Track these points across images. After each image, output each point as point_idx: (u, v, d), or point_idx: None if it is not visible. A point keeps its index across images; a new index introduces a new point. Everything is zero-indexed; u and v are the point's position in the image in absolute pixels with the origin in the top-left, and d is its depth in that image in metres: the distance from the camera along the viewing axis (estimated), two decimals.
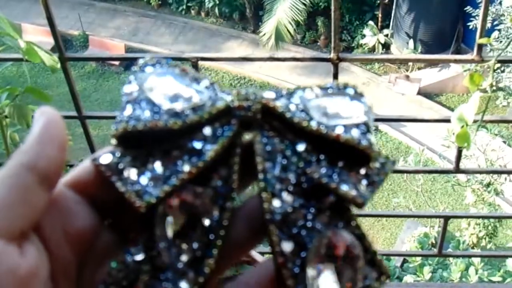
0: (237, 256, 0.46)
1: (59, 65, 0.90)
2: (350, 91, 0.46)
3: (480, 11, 1.07)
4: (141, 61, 0.47)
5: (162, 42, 12.21)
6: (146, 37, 12.50)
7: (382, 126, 9.73)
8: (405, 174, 7.28)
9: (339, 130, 0.43)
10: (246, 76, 11.17)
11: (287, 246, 0.41)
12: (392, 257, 4.96)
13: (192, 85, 0.44)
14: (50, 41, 1.15)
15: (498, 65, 1.16)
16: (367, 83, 10.74)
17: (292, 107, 0.44)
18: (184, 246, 0.41)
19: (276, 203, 0.42)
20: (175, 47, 11.95)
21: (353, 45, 11.52)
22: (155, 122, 0.41)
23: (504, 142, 6.27)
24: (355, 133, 0.43)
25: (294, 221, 0.42)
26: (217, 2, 12.31)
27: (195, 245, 0.42)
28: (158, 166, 0.42)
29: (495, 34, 1.13)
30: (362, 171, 0.44)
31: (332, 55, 1.10)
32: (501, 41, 6.77)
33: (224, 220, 0.42)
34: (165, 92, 0.43)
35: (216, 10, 12.52)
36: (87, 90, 11.30)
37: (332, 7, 1.03)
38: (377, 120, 1.29)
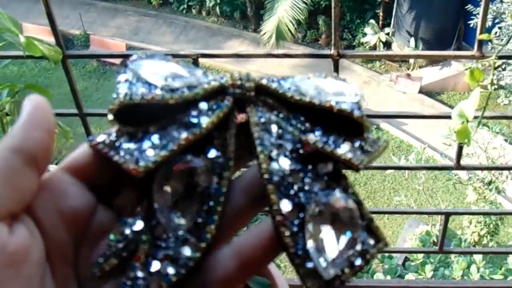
0: (237, 224, 0.47)
1: (61, 56, 0.90)
2: (340, 79, 0.48)
3: (481, 7, 1.07)
4: (134, 56, 0.47)
5: (163, 41, 12.21)
6: (147, 36, 12.50)
7: (383, 125, 9.74)
8: (407, 173, 7.28)
9: (332, 102, 0.44)
10: None
11: (285, 205, 0.42)
12: (394, 255, 4.95)
13: (186, 70, 0.45)
14: (51, 40, 1.15)
15: (499, 63, 1.16)
16: (369, 82, 10.74)
17: (285, 87, 0.45)
18: (184, 213, 0.42)
19: (274, 165, 0.42)
20: (176, 46, 11.95)
21: (354, 43, 11.52)
22: (151, 95, 0.42)
23: (506, 140, 6.26)
24: (347, 105, 0.44)
25: (292, 183, 0.43)
26: (218, 1, 12.31)
27: (195, 212, 0.42)
28: (155, 139, 0.42)
29: (495, 30, 1.12)
30: (356, 143, 0.44)
31: (333, 51, 1.10)
32: (502, 39, 6.77)
33: (223, 187, 0.43)
34: (160, 73, 0.43)
35: (217, 9, 12.53)
36: (89, 90, 11.31)
37: (332, 3, 1.03)
38: (377, 116, 1.29)
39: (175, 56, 1.30)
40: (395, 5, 11.15)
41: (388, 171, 7.88)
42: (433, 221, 6.07)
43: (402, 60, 11.06)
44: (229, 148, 0.44)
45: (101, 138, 0.43)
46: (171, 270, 0.41)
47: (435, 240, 5.38)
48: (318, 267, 0.40)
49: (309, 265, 0.40)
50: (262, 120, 0.44)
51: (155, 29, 12.77)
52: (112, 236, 0.42)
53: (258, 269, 0.46)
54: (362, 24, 11.51)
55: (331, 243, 0.41)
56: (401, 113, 1.34)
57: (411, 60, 10.74)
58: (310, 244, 0.41)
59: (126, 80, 0.44)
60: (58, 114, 1.24)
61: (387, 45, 11.14)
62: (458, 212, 1.57)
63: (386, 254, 4.23)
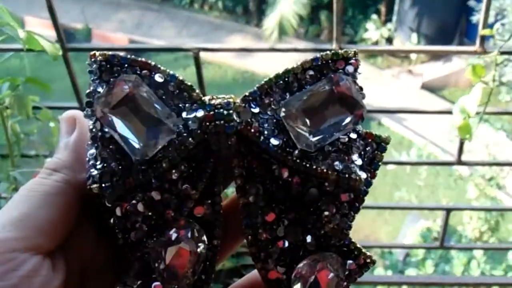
0: (230, 251, 0.50)
1: (60, 52, 0.90)
2: (335, 77, 0.45)
3: (483, 3, 1.07)
4: (94, 67, 0.44)
5: (166, 36, 12.19)
6: (150, 30, 12.48)
7: (384, 120, 9.71)
8: (408, 168, 7.28)
9: (323, 165, 0.43)
10: (249, 70, 11.16)
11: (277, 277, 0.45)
12: (394, 251, 4.95)
13: (158, 110, 0.42)
14: (54, 34, 1.15)
15: (502, 59, 1.15)
16: (370, 77, 10.72)
17: (270, 124, 0.44)
18: (183, 279, 0.43)
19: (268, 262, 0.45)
20: (178, 40, 11.92)
21: (356, 39, 11.50)
22: (129, 180, 0.41)
23: (507, 136, 6.26)
24: (339, 165, 0.44)
25: (285, 258, 0.45)
26: None
27: (194, 276, 0.44)
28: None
29: (497, 25, 1.12)
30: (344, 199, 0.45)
31: (334, 46, 1.09)
32: (504, 35, 6.74)
33: (215, 249, 0.45)
34: (131, 131, 0.41)
35: (220, 3, 12.50)
36: None
37: None
38: (379, 111, 1.29)
39: (177, 50, 1.30)
40: (397, 1, 11.13)
41: (389, 167, 7.86)
42: (434, 216, 6.07)
43: (404, 55, 11.04)
44: (218, 207, 0.45)
45: (95, 189, 0.42)
46: None
47: (436, 236, 5.39)
48: None
49: None
50: (253, 192, 0.44)
51: (157, 23, 12.74)
52: None
53: None
54: (364, 19, 11.49)
55: None
56: (402, 109, 1.34)
57: (413, 56, 10.72)
58: None
59: (96, 132, 0.43)
60: (58, 108, 1.24)
61: (389, 40, 11.12)
62: (459, 208, 1.57)
63: (387, 250, 4.23)
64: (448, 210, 1.44)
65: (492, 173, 6.04)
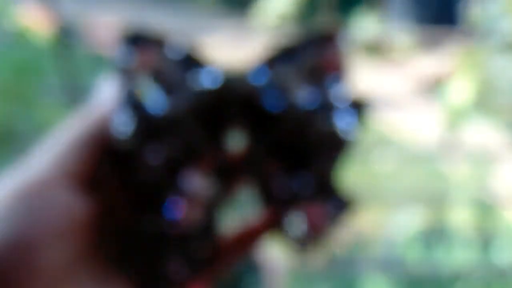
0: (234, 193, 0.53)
1: (56, 42, 0.91)
2: (321, 49, 0.50)
3: None
4: (122, 41, 0.49)
5: (166, 27, 12.12)
6: (150, 21, 12.41)
7: (376, 113, 9.69)
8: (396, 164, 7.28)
9: (315, 122, 0.49)
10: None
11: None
12: None
13: (175, 77, 0.49)
14: (51, 26, 1.15)
15: (495, 51, 1.16)
16: (362, 69, 10.70)
17: (268, 89, 0.50)
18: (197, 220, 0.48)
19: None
20: (175, 29, 11.86)
21: (349, 29, 11.45)
22: (151, 133, 0.47)
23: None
24: (327, 122, 0.49)
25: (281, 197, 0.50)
26: None
27: (207, 217, 0.49)
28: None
29: (490, 17, 1.13)
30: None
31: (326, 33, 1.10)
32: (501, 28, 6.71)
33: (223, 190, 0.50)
34: (153, 94, 0.48)
35: None
36: None
37: None
38: (371, 104, 1.29)
39: (169, 40, 1.30)
40: None
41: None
42: None
43: (396, 47, 11.00)
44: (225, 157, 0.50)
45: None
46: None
47: None
48: (300, 239, 0.49)
49: (294, 237, 0.49)
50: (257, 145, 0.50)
51: (154, 15, 12.66)
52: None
53: (253, 241, 0.51)
54: (356, 10, 11.42)
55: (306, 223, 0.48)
56: (394, 102, 1.35)
57: (405, 48, 10.69)
58: (292, 227, 0.48)
59: (122, 90, 0.48)
60: (54, 101, 1.24)
61: (382, 32, 11.09)
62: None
63: None
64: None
65: None
